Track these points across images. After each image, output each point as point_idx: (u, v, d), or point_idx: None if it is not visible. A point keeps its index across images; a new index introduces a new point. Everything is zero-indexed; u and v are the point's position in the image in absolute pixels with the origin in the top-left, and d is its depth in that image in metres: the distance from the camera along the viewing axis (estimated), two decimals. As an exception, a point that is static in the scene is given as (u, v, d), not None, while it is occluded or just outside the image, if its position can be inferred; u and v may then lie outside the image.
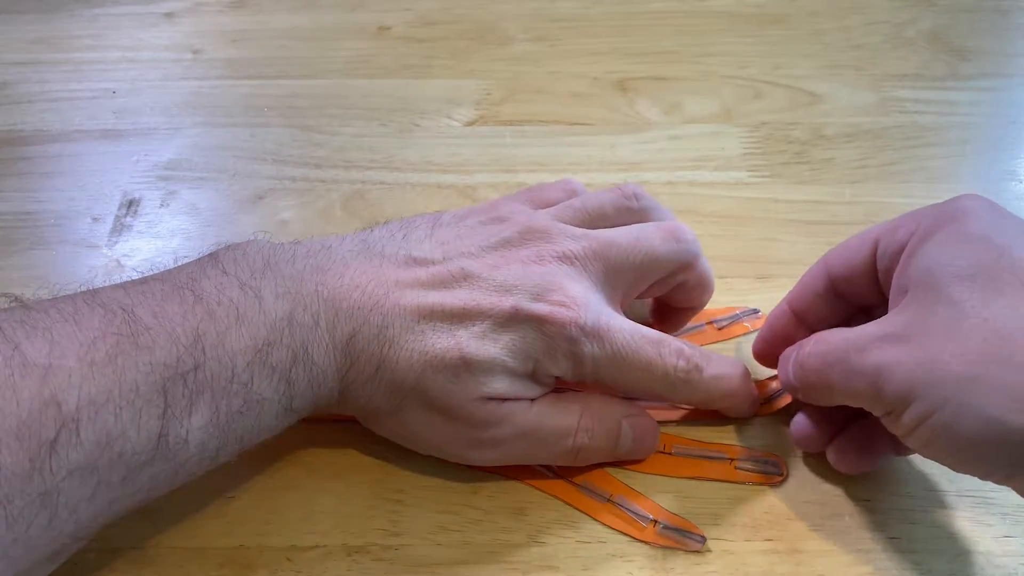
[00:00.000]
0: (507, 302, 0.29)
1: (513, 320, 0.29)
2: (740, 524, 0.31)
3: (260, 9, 0.55)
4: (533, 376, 0.30)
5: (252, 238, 0.31)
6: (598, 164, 0.44)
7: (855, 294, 0.31)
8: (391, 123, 0.47)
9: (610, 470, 0.32)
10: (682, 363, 0.31)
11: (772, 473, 0.32)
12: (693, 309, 0.35)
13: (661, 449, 0.33)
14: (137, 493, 0.27)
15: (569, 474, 0.32)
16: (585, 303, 0.30)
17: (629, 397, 0.33)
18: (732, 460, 0.33)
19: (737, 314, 0.37)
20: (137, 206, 0.43)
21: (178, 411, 0.26)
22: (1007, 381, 0.24)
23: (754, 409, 0.34)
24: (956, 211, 0.28)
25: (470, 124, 0.47)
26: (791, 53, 0.51)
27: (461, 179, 0.44)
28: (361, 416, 0.32)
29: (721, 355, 0.32)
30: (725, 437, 0.33)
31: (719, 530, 0.31)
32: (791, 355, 0.30)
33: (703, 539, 0.30)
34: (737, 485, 0.32)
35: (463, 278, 0.30)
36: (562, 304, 0.29)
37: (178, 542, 0.30)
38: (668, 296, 0.35)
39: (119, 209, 0.43)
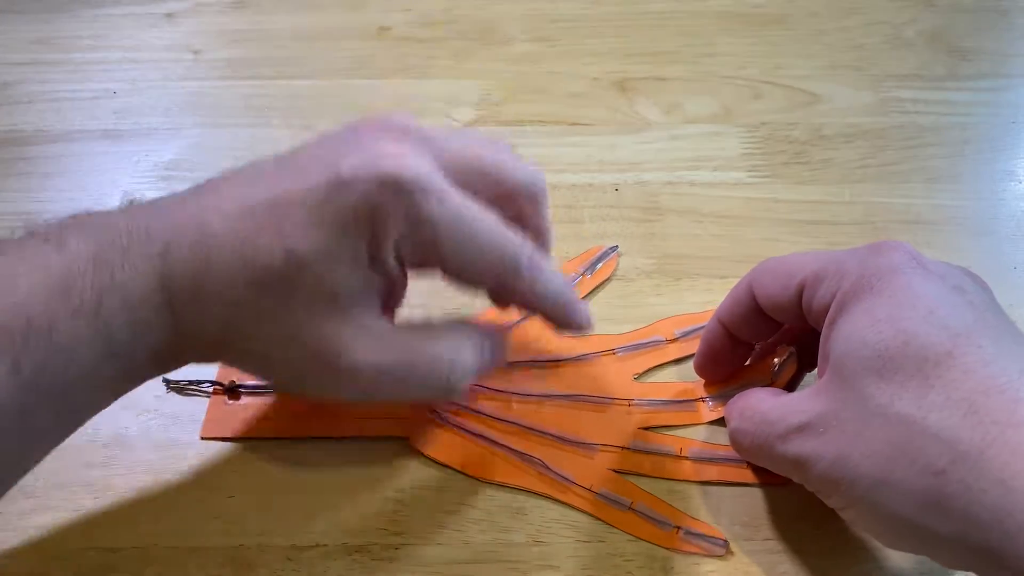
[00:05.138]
0: (334, 168, 0.26)
1: (337, 188, 0.26)
2: (740, 524, 0.31)
3: (260, 9, 0.55)
4: (370, 258, 0.27)
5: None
6: (598, 164, 0.45)
7: (782, 318, 0.31)
8: (391, 123, 0.47)
9: (627, 477, 0.32)
10: (527, 248, 0.28)
11: None
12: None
13: (676, 453, 0.33)
14: None
15: (587, 483, 0.32)
16: (419, 159, 0.27)
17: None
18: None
19: (598, 255, 0.39)
20: (137, 206, 0.43)
21: None
22: (912, 487, 0.24)
23: (591, 326, 0.30)
24: (874, 275, 0.27)
25: (470, 124, 0.47)
26: (791, 53, 0.51)
27: (461, 179, 0.44)
28: (218, 358, 0.29)
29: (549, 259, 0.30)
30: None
31: (719, 530, 0.31)
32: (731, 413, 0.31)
33: (725, 543, 0.30)
34: (737, 485, 0.32)
35: (294, 167, 0.27)
36: (390, 155, 0.26)
37: (178, 542, 0.30)
38: None
39: (119, 209, 0.43)
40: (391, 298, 0.29)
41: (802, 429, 0.27)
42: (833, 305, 0.27)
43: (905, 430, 0.24)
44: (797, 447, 0.27)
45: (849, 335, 0.26)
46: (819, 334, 0.28)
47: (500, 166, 0.29)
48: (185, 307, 0.26)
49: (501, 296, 0.29)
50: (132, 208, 0.28)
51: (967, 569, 0.24)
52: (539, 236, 0.30)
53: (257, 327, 0.27)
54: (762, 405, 0.29)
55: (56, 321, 0.24)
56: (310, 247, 0.26)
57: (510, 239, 0.28)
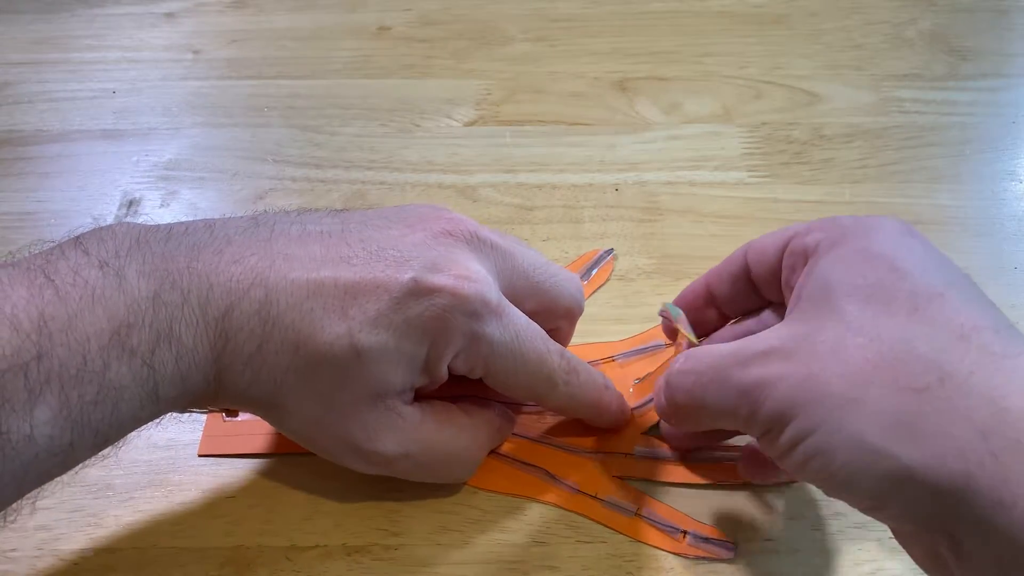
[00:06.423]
0: (405, 275, 0.27)
1: (412, 295, 0.27)
2: (740, 524, 0.31)
3: (260, 9, 0.55)
4: (425, 364, 0.28)
5: (122, 221, 0.28)
6: (598, 164, 0.45)
7: (766, 287, 0.30)
8: (391, 123, 0.47)
9: (632, 482, 0.32)
10: (564, 363, 0.30)
11: None
12: None
13: (680, 458, 0.33)
14: None
15: (592, 490, 0.32)
16: (488, 280, 0.28)
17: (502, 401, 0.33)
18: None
19: (594, 260, 0.40)
20: (137, 206, 0.43)
21: (18, 406, 0.23)
22: (886, 406, 0.23)
23: (625, 418, 0.33)
24: (867, 227, 0.27)
25: (470, 124, 0.47)
26: (791, 53, 0.51)
27: (461, 179, 0.44)
28: (250, 410, 0.30)
29: (585, 363, 0.31)
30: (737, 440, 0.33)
31: (719, 530, 0.31)
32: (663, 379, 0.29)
33: (733, 547, 0.30)
34: (741, 486, 0.32)
35: (361, 249, 0.28)
36: (465, 277, 0.27)
37: (178, 542, 0.30)
38: None
39: (119, 209, 0.43)
40: (425, 387, 0.30)
41: (767, 353, 0.25)
42: (819, 247, 0.27)
43: (888, 349, 0.23)
44: (759, 371, 0.25)
45: (836, 267, 0.26)
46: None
47: (557, 289, 0.31)
48: (233, 370, 0.27)
49: (537, 402, 0.32)
50: (188, 231, 0.28)
51: (904, 522, 0.24)
52: (563, 342, 0.33)
53: (299, 404, 0.28)
54: (718, 347, 0.27)
55: (111, 360, 0.25)
56: (375, 345, 0.27)
57: (553, 358, 0.30)
